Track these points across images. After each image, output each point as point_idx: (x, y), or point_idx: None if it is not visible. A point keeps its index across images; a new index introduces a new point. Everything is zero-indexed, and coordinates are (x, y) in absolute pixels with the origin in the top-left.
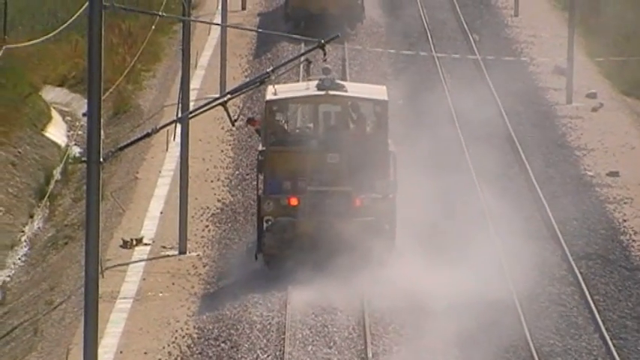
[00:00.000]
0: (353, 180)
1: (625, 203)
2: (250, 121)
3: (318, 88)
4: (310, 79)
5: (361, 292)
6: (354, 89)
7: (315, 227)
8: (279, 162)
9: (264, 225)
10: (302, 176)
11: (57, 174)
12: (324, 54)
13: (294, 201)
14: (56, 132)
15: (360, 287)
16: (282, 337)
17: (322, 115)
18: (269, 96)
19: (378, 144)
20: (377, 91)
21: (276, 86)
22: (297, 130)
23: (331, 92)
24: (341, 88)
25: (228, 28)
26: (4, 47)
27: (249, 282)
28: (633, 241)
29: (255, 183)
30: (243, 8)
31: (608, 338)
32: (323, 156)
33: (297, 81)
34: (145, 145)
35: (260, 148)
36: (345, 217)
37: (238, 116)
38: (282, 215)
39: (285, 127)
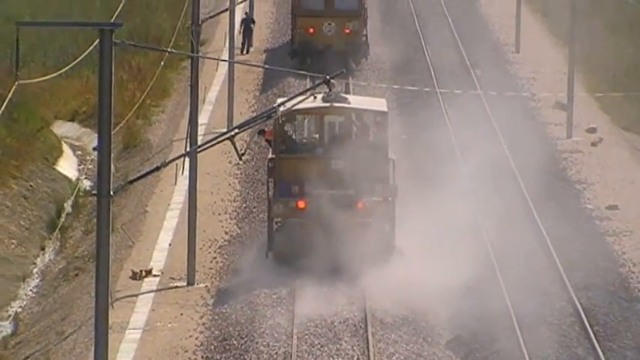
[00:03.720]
0: (355, 184)
1: (624, 236)
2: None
3: (324, 100)
4: (316, 93)
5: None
6: (356, 101)
7: (321, 228)
8: (287, 168)
9: (274, 226)
10: (309, 181)
11: (68, 207)
12: (330, 89)
13: (301, 204)
14: (67, 166)
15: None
16: None
17: (327, 125)
18: None
19: (378, 151)
20: (377, 103)
21: (284, 98)
22: (304, 139)
23: (335, 104)
24: (344, 100)
25: (235, 65)
26: (16, 83)
27: (255, 312)
28: (632, 272)
29: (265, 188)
30: (250, 45)
31: None
32: (328, 162)
33: None
34: (155, 179)
35: (270, 155)
36: (348, 218)
37: (245, 150)
38: (290, 217)
39: (293, 136)
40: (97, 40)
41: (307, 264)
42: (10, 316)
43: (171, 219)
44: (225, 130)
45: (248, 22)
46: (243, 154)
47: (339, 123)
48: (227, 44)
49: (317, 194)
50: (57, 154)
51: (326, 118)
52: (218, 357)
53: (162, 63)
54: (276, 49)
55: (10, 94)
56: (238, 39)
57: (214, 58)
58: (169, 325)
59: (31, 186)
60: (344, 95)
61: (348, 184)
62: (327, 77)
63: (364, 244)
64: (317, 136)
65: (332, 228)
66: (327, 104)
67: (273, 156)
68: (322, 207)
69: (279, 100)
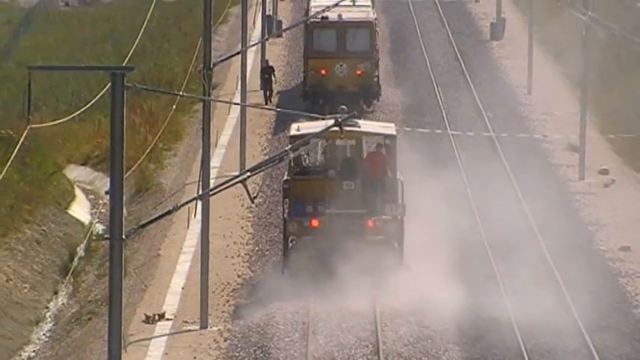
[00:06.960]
0: (366, 204)
1: (637, 277)
2: None
3: (335, 124)
4: (328, 117)
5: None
6: (366, 126)
7: (334, 245)
8: (302, 189)
9: (290, 244)
10: (322, 201)
11: (80, 251)
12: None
13: (315, 222)
14: (80, 210)
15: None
16: None
17: (339, 148)
18: (293, 132)
19: (388, 172)
20: (386, 128)
21: (299, 123)
22: (317, 161)
23: (347, 128)
24: (355, 124)
25: (247, 108)
26: (28, 127)
27: (269, 355)
28: None
29: (281, 208)
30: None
31: None
32: (340, 183)
33: None
34: (167, 223)
35: (285, 177)
36: (359, 236)
37: (257, 193)
38: (304, 235)
39: (307, 158)
40: (109, 84)
41: (320, 289)
42: None
43: (184, 262)
44: (237, 173)
45: (267, 72)
46: (255, 197)
47: (350, 146)
48: (239, 87)
49: (330, 213)
50: (69, 198)
51: (338, 141)
52: None
53: (174, 106)
54: (289, 90)
55: (22, 139)
56: (250, 83)
57: (226, 102)
58: None
59: (44, 230)
60: (355, 120)
61: (359, 204)
62: (339, 120)
63: (375, 260)
64: (329, 158)
65: (344, 245)
66: (339, 128)
67: (288, 178)
68: (335, 225)
69: (294, 127)
